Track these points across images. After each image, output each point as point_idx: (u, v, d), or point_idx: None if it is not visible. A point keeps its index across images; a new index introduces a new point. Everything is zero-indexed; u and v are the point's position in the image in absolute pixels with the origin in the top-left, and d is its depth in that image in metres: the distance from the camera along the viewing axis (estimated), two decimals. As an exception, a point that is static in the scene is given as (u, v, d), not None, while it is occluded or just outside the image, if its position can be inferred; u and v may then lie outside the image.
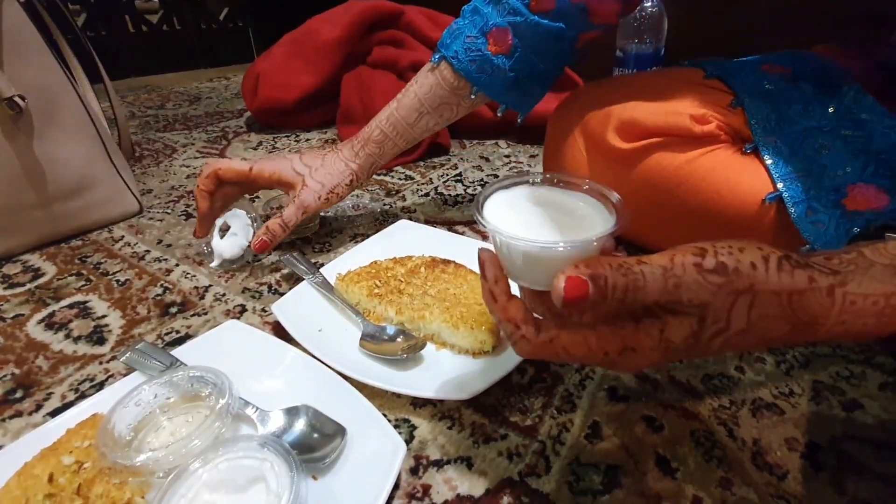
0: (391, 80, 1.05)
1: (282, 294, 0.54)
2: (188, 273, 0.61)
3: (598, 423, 0.40)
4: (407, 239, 0.62)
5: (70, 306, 0.56)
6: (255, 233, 0.61)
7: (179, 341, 0.49)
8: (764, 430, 0.38)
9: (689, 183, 0.53)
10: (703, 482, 0.35)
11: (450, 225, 0.71)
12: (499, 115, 0.63)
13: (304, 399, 0.39)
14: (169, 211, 0.78)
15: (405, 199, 0.81)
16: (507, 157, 0.98)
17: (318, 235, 0.70)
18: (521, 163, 0.95)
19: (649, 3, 0.88)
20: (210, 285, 0.59)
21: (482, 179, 0.88)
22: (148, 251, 0.67)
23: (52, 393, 0.44)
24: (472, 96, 0.59)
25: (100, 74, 0.80)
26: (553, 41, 0.56)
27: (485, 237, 0.66)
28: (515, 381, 0.44)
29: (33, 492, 0.32)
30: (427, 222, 0.72)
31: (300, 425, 0.37)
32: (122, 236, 0.71)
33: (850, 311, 0.25)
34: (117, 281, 0.60)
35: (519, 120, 0.65)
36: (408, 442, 0.38)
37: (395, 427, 0.38)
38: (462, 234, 0.68)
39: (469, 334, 0.44)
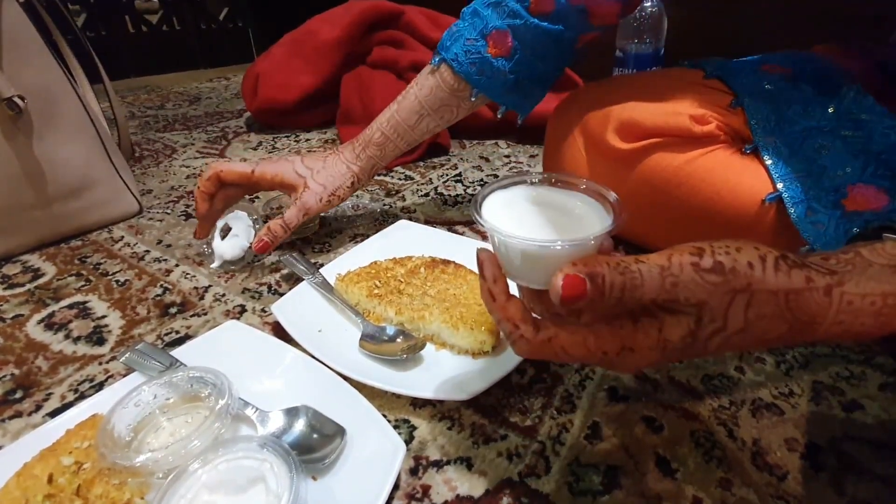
0: (391, 81, 1.05)
1: (281, 294, 0.54)
2: (188, 273, 0.61)
3: (598, 424, 0.40)
4: (407, 239, 0.62)
5: (70, 307, 0.56)
6: (256, 234, 0.61)
7: (179, 342, 0.49)
8: (764, 431, 0.38)
9: (688, 183, 0.53)
10: (703, 483, 0.35)
11: (449, 225, 0.71)
12: (499, 116, 0.63)
13: (303, 399, 0.39)
14: (169, 211, 0.78)
15: (405, 200, 0.81)
16: (507, 157, 0.98)
17: (318, 236, 0.70)
18: (521, 163, 0.95)
19: (649, 3, 0.88)
20: (210, 286, 0.59)
21: (482, 179, 0.88)
22: (148, 251, 0.67)
23: (51, 393, 0.44)
24: (473, 98, 0.59)
25: (99, 74, 0.80)
26: (552, 43, 0.56)
27: (484, 237, 0.66)
28: (515, 381, 0.44)
29: (33, 492, 0.32)
30: (427, 222, 0.72)
31: (300, 426, 0.37)
32: (122, 237, 0.71)
33: (848, 311, 0.25)
34: (117, 281, 0.60)
35: (519, 121, 0.65)
36: (407, 442, 0.38)
37: (395, 427, 0.38)
38: (462, 234, 0.68)
39: (469, 335, 0.44)
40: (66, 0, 0.81)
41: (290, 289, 0.54)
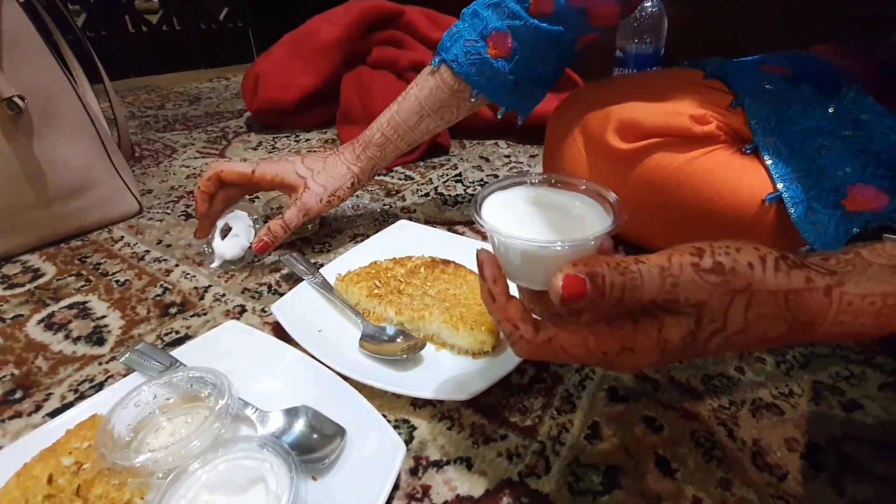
0: (391, 81, 1.05)
1: (281, 294, 0.54)
2: (188, 273, 0.61)
3: (598, 424, 0.40)
4: (407, 239, 0.62)
5: (70, 307, 0.56)
6: (256, 234, 0.61)
7: (179, 342, 0.49)
8: (764, 431, 0.38)
9: (688, 183, 0.53)
10: (703, 483, 0.35)
11: (449, 225, 0.71)
12: (499, 116, 0.63)
13: (303, 400, 0.39)
14: (169, 211, 0.78)
15: (405, 200, 0.81)
16: (507, 157, 0.98)
17: (318, 236, 0.70)
18: (521, 163, 0.95)
19: (649, 3, 0.88)
20: (210, 286, 0.59)
21: (482, 179, 0.88)
22: (147, 251, 0.67)
23: (51, 393, 0.44)
24: (472, 99, 0.59)
25: (99, 74, 0.80)
26: (552, 44, 0.56)
27: (484, 237, 0.66)
28: (515, 381, 0.44)
29: (33, 493, 0.32)
30: (427, 222, 0.72)
31: (300, 426, 0.37)
32: (122, 237, 0.71)
33: (848, 311, 0.25)
34: (117, 281, 0.60)
35: (519, 121, 0.65)
36: (407, 442, 0.38)
37: (395, 427, 0.38)
38: (462, 234, 0.68)
39: (469, 335, 0.44)
40: (66, 0, 0.81)
41: (290, 289, 0.54)
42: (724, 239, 0.26)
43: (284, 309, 0.49)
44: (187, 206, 0.80)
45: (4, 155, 0.61)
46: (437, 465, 0.37)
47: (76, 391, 0.44)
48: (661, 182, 0.54)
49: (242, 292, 0.57)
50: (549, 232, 0.30)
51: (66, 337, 0.51)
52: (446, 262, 0.55)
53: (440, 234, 0.64)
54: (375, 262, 0.55)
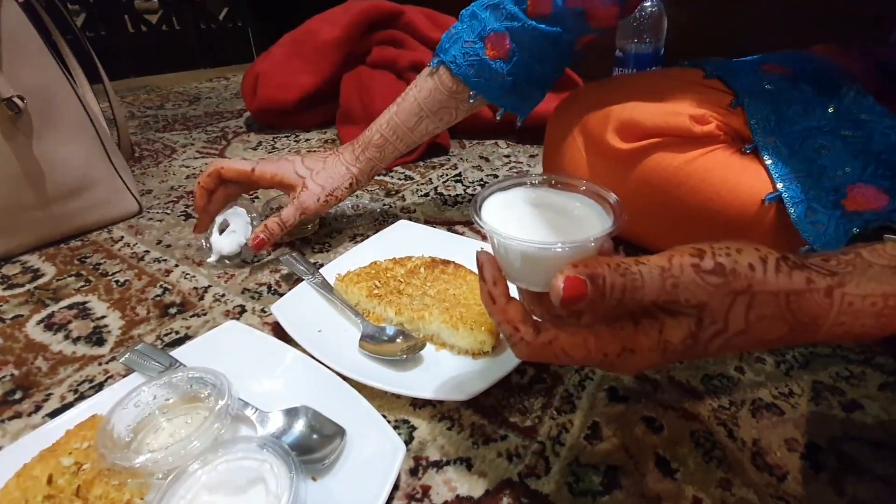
0: (391, 80, 1.05)
1: (281, 294, 0.54)
2: (187, 274, 0.61)
3: (598, 424, 0.39)
4: (406, 239, 0.62)
5: (69, 307, 0.56)
6: (253, 231, 0.62)
7: (179, 342, 0.49)
8: (764, 431, 0.38)
9: (688, 183, 0.53)
10: (703, 483, 0.35)
11: (449, 225, 0.71)
12: (498, 117, 0.63)
13: (303, 400, 0.39)
14: (168, 211, 0.78)
15: (405, 200, 0.81)
16: (507, 157, 0.98)
17: (318, 236, 0.70)
18: (521, 163, 0.95)
19: (649, 3, 0.88)
20: (209, 286, 0.59)
21: (482, 179, 0.88)
22: (147, 252, 0.67)
23: (51, 394, 0.44)
24: (471, 100, 0.59)
25: (99, 75, 0.80)
26: (550, 45, 0.56)
27: (484, 238, 0.66)
28: (515, 381, 0.44)
29: (32, 493, 0.32)
30: (427, 222, 0.72)
31: (299, 426, 0.37)
32: (122, 237, 0.71)
33: (849, 312, 0.25)
34: (117, 281, 0.60)
35: (518, 122, 0.65)
36: (407, 443, 0.38)
37: (395, 428, 0.38)
38: (462, 234, 0.68)
39: (468, 335, 0.44)
40: (66, 0, 0.81)
41: (289, 289, 0.54)
42: (724, 239, 0.26)
43: (284, 309, 0.49)
44: (187, 206, 0.80)
45: (4, 155, 0.61)
46: (437, 465, 0.37)
47: (76, 391, 0.44)
48: (661, 182, 0.54)
49: (242, 292, 0.57)
50: (549, 233, 0.30)
51: (66, 337, 0.51)
52: (446, 263, 0.55)
53: (440, 234, 0.64)
54: (375, 263, 0.55)
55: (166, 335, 0.51)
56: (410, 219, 0.70)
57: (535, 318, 0.28)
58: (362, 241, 0.63)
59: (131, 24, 1.81)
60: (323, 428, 0.37)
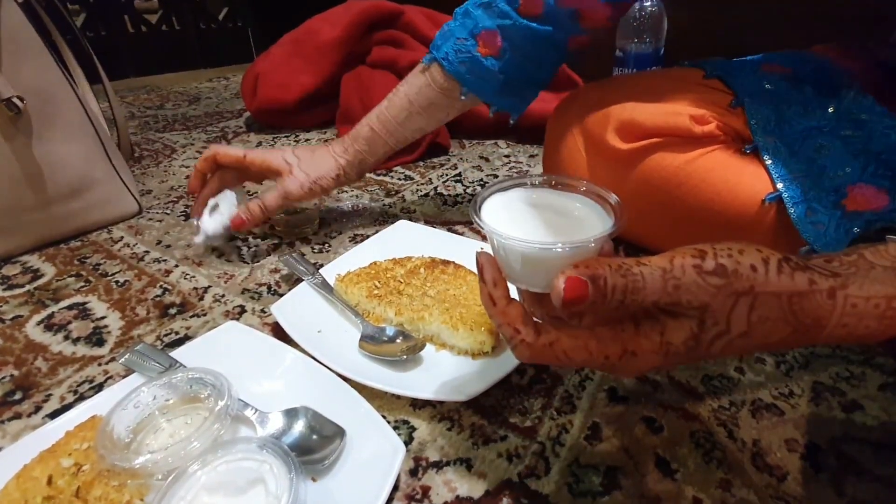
0: (391, 80, 1.05)
1: (281, 295, 0.54)
2: (187, 274, 0.61)
3: (598, 425, 0.39)
4: (406, 239, 0.62)
5: (69, 307, 0.56)
6: None
7: (178, 342, 0.49)
8: (764, 431, 0.38)
9: (688, 183, 0.52)
10: (703, 483, 0.35)
11: (449, 225, 0.71)
12: (491, 115, 0.63)
13: (303, 400, 0.39)
14: (168, 212, 0.78)
15: (405, 200, 0.81)
16: (507, 157, 0.98)
17: (318, 236, 0.70)
18: (521, 163, 0.95)
19: (649, 3, 0.88)
20: (209, 286, 0.59)
21: (482, 179, 0.88)
22: (147, 252, 0.67)
23: (51, 395, 0.44)
24: (463, 97, 0.59)
25: (99, 75, 0.80)
26: (542, 44, 0.56)
27: (484, 238, 0.66)
28: (515, 382, 0.44)
29: (32, 494, 0.31)
30: (427, 223, 0.72)
31: (299, 427, 0.37)
32: (122, 237, 0.71)
33: (852, 313, 0.25)
34: (116, 282, 0.60)
35: (511, 121, 0.65)
36: (407, 443, 0.38)
37: (395, 428, 0.38)
38: (462, 234, 0.68)
39: (468, 335, 0.44)
40: (66, 0, 0.81)
41: (289, 289, 0.53)
42: (724, 240, 0.26)
43: (284, 309, 0.49)
44: (187, 206, 0.80)
45: (4, 155, 0.61)
46: (437, 465, 0.37)
47: (76, 392, 0.44)
48: (661, 182, 0.54)
49: (242, 293, 0.57)
50: (549, 234, 0.30)
51: (66, 338, 0.51)
52: (446, 263, 0.55)
53: (440, 234, 0.64)
54: (375, 263, 0.55)
55: (166, 336, 0.51)
56: (410, 219, 0.70)
57: (535, 319, 0.28)
58: (362, 241, 0.63)
59: (131, 24, 1.81)
60: (323, 428, 0.37)
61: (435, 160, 0.97)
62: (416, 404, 0.42)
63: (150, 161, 1.00)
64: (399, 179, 0.89)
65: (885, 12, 0.61)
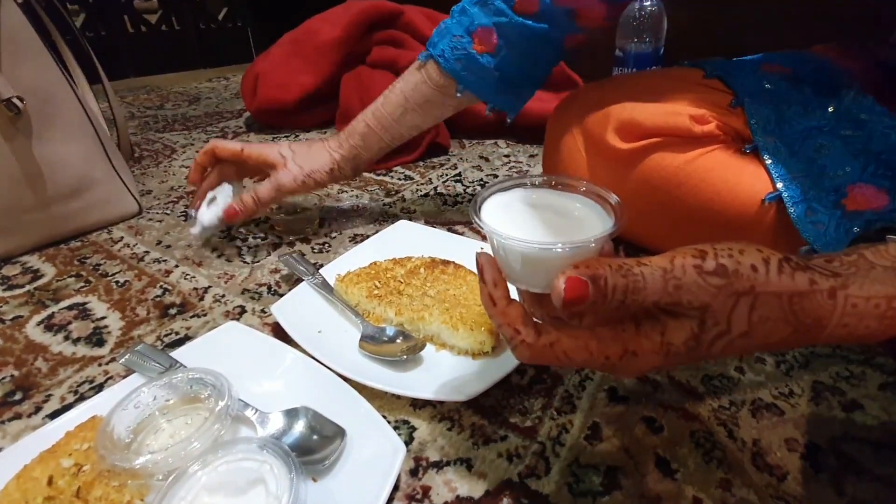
0: (391, 80, 1.03)
1: (281, 295, 0.54)
2: (188, 274, 0.61)
3: (598, 425, 0.39)
4: (406, 239, 0.62)
5: (69, 308, 0.56)
6: None
7: (179, 343, 0.49)
8: (764, 431, 0.38)
9: (688, 183, 0.53)
10: (703, 483, 0.35)
11: (449, 225, 0.71)
12: (488, 112, 0.63)
13: (303, 401, 0.39)
14: (168, 212, 0.78)
15: (405, 200, 0.81)
16: (507, 156, 0.98)
17: (318, 236, 0.70)
18: (521, 162, 0.95)
19: (648, 3, 0.87)
20: (209, 286, 0.59)
21: (482, 179, 0.88)
22: (147, 252, 0.67)
23: (51, 395, 0.44)
24: (458, 95, 0.60)
25: (98, 75, 0.80)
26: (537, 42, 0.56)
27: (485, 238, 0.66)
28: (515, 382, 0.44)
29: (33, 495, 0.31)
30: (427, 223, 0.72)
31: (300, 427, 0.37)
32: (122, 237, 0.71)
33: (853, 314, 0.25)
34: (116, 282, 0.60)
35: (508, 119, 0.65)
36: (407, 443, 0.38)
37: (395, 428, 0.38)
38: (462, 234, 0.68)
39: (468, 335, 0.44)
40: (65, 0, 0.81)
41: (289, 289, 0.53)
42: (724, 240, 0.26)
43: (284, 310, 0.49)
44: (187, 206, 0.80)
45: (3, 156, 0.61)
46: (437, 466, 0.37)
47: (76, 392, 0.44)
48: (661, 182, 0.54)
49: (242, 293, 0.57)
50: (549, 234, 0.30)
51: (66, 338, 0.51)
52: (446, 263, 0.55)
53: (440, 234, 0.64)
54: (375, 263, 0.55)
55: (166, 336, 0.51)
56: (410, 219, 0.70)
57: (535, 320, 0.28)
58: (362, 241, 0.63)
59: (131, 25, 1.81)
60: (323, 429, 0.37)
61: (435, 160, 0.97)
62: (417, 404, 0.42)
63: (150, 161, 1.00)
64: (399, 179, 0.89)
65: (885, 12, 0.61)
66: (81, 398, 0.43)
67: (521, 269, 0.30)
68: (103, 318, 0.54)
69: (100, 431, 0.35)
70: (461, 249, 0.57)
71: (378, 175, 0.91)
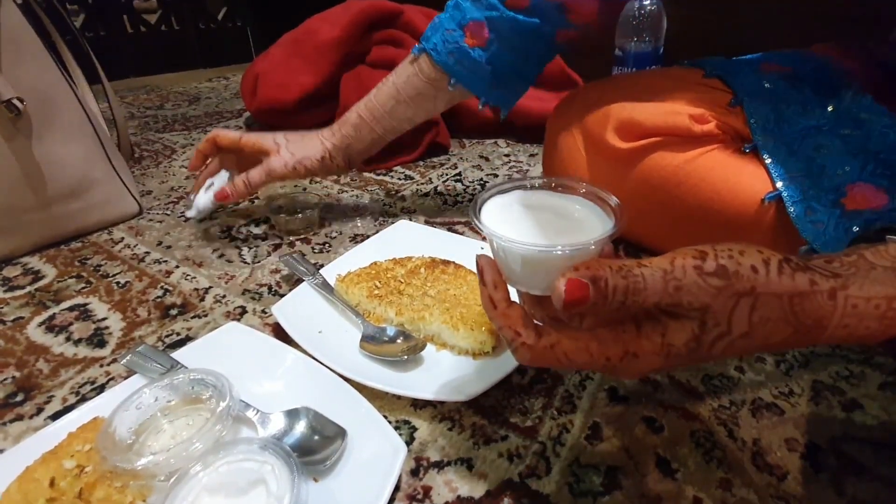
0: (390, 80, 1.05)
1: (282, 295, 0.54)
2: (188, 275, 0.61)
3: (599, 424, 0.40)
4: (407, 239, 0.62)
5: (70, 309, 0.56)
6: None
7: (180, 343, 0.49)
8: (764, 431, 0.38)
9: (688, 183, 0.53)
10: (704, 483, 0.35)
11: (449, 225, 0.71)
12: (480, 108, 0.64)
13: (304, 401, 0.39)
14: (169, 212, 0.78)
15: (405, 200, 0.81)
16: (507, 156, 0.98)
17: (318, 236, 0.70)
18: (521, 162, 0.95)
19: (648, 2, 0.87)
20: (210, 287, 0.59)
21: (482, 179, 0.88)
22: (148, 253, 0.67)
23: (52, 396, 0.44)
24: (450, 88, 0.60)
25: (98, 75, 0.80)
26: (529, 36, 0.57)
27: (485, 238, 0.66)
28: (515, 382, 0.44)
29: (34, 496, 0.32)
30: (427, 223, 0.72)
31: (301, 427, 0.37)
32: (122, 238, 0.71)
33: (853, 314, 0.25)
34: (117, 283, 0.60)
35: (501, 116, 0.66)
36: (408, 443, 0.38)
37: (396, 429, 0.38)
38: (462, 234, 0.68)
39: (469, 335, 0.44)
40: (65, 0, 0.81)
41: (290, 290, 0.54)
42: (724, 239, 0.26)
43: (285, 310, 0.49)
44: (187, 206, 0.80)
45: (3, 157, 0.61)
46: (438, 466, 0.37)
47: (77, 394, 0.44)
48: (661, 181, 0.54)
49: (243, 293, 0.57)
50: (549, 236, 0.30)
51: (67, 339, 0.51)
52: (446, 263, 0.55)
53: (440, 234, 0.64)
54: (375, 263, 0.55)
55: (167, 336, 0.51)
56: (410, 219, 0.70)
57: (536, 321, 0.28)
58: (362, 241, 0.63)
59: (130, 25, 1.80)
60: (324, 429, 0.37)
61: (435, 160, 0.97)
62: (417, 404, 0.42)
63: (150, 161, 1.00)
64: (399, 179, 0.89)
65: (885, 12, 0.61)
66: (83, 399, 0.44)
67: (521, 271, 0.30)
68: (104, 319, 0.54)
69: (101, 432, 0.35)
70: (461, 249, 0.57)
71: (378, 175, 0.91)
